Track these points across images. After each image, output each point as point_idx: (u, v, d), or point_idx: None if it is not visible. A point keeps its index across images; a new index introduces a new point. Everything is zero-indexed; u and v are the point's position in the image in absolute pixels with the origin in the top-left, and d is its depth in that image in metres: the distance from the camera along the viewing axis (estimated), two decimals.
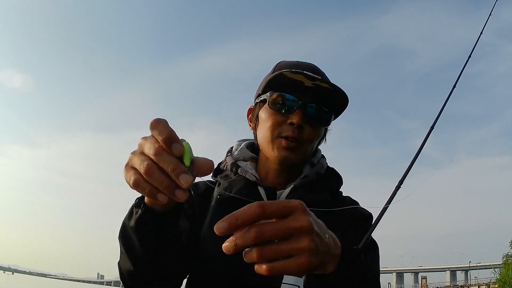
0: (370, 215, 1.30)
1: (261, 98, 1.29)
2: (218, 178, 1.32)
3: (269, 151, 1.25)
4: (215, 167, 1.35)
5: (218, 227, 0.64)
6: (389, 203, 1.15)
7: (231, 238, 0.66)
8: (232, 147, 1.41)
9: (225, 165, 1.34)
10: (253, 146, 1.38)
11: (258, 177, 1.27)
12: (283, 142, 1.21)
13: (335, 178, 1.36)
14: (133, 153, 0.72)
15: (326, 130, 1.35)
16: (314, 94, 1.22)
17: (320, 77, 1.21)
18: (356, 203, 1.31)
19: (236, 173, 1.29)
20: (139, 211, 0.89)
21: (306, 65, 1.32)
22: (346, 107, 1.27)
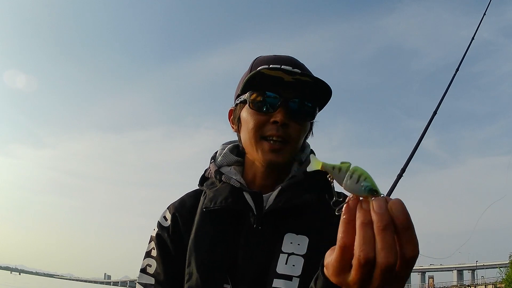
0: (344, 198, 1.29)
1: (241, 99, 1.24)
2: (204, 187, 1.28)
3: (254, 153, 1.20)
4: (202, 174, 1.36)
5: None
6: (391, 192, 1.20)
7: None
8: (216, 152, 1.36)
9: (209, 172, 1.30)
10: (238, 149, 1.33)
11: (243, 182, 1.22)
12: (268, 144, 1.16)
13: (324, 176, 1.31)
14: None
15: (312, 124, 1.30)
16: (295, 89, 1.16)
17: (299, 71, 1.17)
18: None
19: (220, 180, 1.24)
20: None
21: (284, 58, 1.26)
22: (329, 98, 1.22)
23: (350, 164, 0.66)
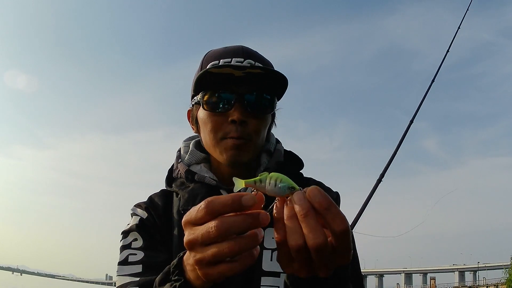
0: (337, 195, 1.26)
1: (195, 100, 1.19)
2: (174, 188, 1.23)
3: (217, 155, 1.16)
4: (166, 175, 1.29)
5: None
6: (371, 196, 1.15)
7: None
8: (179, 150, 1.31)
9: (178, 173, 1.25)
10: (201, 145, 1.27)
11: (217, 179, 1.18)
12: (229, 141, 1.11)
13: (295, 163, 1.29)
14: None
15: (273, 115, 1.24)
16: (248, 83, 1.11)
17: (249, 65, 1.12)
18: (321, 184, 1.25)
19: (193, 180, 1.19)
20: None
21: (234, 50, 1.20)
22: (286, 87, 1.15)
23: (268, 173, 0.71)
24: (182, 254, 0.79)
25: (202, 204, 0.68)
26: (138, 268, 1.10)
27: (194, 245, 0.69)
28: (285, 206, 0.68)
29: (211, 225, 0.66)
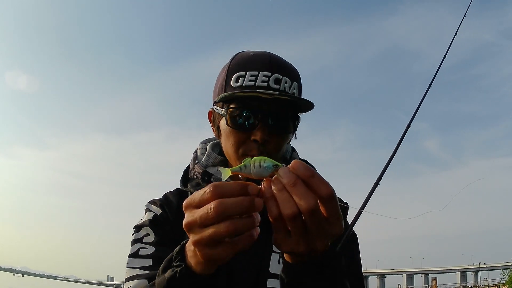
0: (346, 207, 1.27)
1: (218, 110, 1.20)
2: (189, 188, 1.26)
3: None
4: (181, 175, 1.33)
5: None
6: (368, 200, 1.18)
7: None
8: (196, 152, 1.34)
9: (194, 174, 1.28)
10: (219, 147, 1.30)
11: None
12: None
13: None
14: None
15: (295, 130, 1.25)
16: (274, 102, 1.12)
17: (277, 92, 1.11)
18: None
19: (209, 181, 1.21)
20: (187, 279, 0.81)
21: (261, 59, 1.19)
22: (311, 109, 1.19)
23: (250, 158, 0.77)
24: (185, 242, 0.82)
25: (208, 188, 0.71)
26: (148, 262, 1.13)
27: (192, 226, 0.72)
28: (273, 183, 0.73)
29: (210, 206, 0.69)
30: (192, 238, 0.74)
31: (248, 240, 0.74)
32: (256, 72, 1.15)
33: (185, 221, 0.74)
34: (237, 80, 1.16)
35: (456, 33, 1.91)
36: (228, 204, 0.69)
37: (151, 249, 1.16)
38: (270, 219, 0.74)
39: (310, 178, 0.71)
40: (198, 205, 0.72)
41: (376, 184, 1.22)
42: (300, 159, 1.36)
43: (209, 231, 0.70)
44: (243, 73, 1.16)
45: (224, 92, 1.16)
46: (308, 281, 0.82)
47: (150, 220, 1.21)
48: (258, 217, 0.73)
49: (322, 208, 0.72)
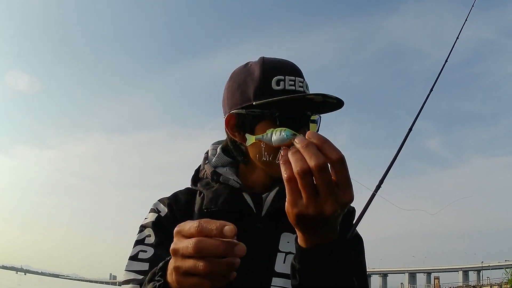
0: (353, 210, 1.31)
1: (257, 112, 1.18)
2: (199, 187, 1.28)
3: (268, 168, 1.19)
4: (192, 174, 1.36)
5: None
6: (369, 204, 1.17)
7: None
8: (207, 152, 1.37)
9: (204, 173, 1.31)
10: (228, 150, 1.32)
11: (240, 182, 1.23)
12: None
13: None
14: None
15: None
16: (314, 104, 1.19)
17: (322, 94, 1.14)
18: None
19: (218, 181, 1.25)
20: None
21: (290, 66, 1.25)
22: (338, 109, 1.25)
23: (273, 129, 0.86)
24: (169, 258, 0.85)
25: (196, 222, 0.76)
26: (145, 266, 1.15)
27: (176, 253, 0.77)
28: (290, 148, 0.80)
29: (191, 241, 0.74)
30: (173, 263, 0.78)
31: (220, 282, 0.76)
32: (293, 78, 1.21)
33: (171, 246, 0.78)
34: (277, 84, 1.19)
35: (457, 38, 1.88)
36: (207, 244, 0.73)
37: (150, 252, 1.18)
38: (284, 181, 0.79)
39: (322, 143, 0.77)
40: (185, 235, 0.76)
41: (378, 187, 1.20)
42: None
43: (188, 263, 0.74)
44: (281, 77, 1.20)
45: (262, 94, 1.18)
46: (320, 268, 0.86)
47: (153, 222, 1.24)
48: (237, 261, 0.76)
49: (332, 171, 0.77)
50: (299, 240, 0.89)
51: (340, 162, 0.76)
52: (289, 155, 0.79)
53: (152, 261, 1.15)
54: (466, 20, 1.92)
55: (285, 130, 0.83)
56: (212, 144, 1.40)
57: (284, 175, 0.79)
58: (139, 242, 1.22)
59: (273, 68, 1.22)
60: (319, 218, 0.79)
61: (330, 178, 0.76)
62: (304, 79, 1.23)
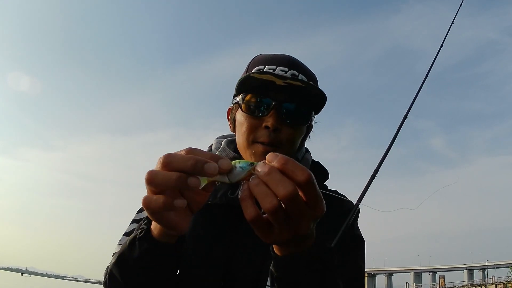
0: (351, 205, 1.28)
1: (236, 100, 1.23)
2: None
3: (247, 157, 1.19)
4: None
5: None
6: (365, 193, 1.20)
7: None
8: (210, 146, 1.37)
9: None
10: (234, 144, 1.32)
11: None
12: (260, 147, 1.15)
13: (320, 173, 1.35)
14: None
15: (309, 128, 1.31)
16: (289, 92, 1.15)
17: (290, 76, 1.15)
18: (336, 192, 1.28)
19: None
20: (145, 243, 0.87)
21: (280, 58, 1.25)
22: (324, 103, 1.21)
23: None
24: None
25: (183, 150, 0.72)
26: None
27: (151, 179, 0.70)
28: (251, 179, 0.71)
29: (161, 158, 0.70)
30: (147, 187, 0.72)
31: (197, 204, 0.76)
32: (274, 67, 1.19)
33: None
34: (256, 72, 1.17)
35: (452, 22, 1.91)
36: (176, 158, 0.69)
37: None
38: (248, 220, 0.71)
39: (284, 166, 0.68)
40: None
41: (373, 176, 1.23)
42: (313, 160, 1.37)
43: (157, 176, 0.69)
44: (262, 66, 1.21)
45: (242, 85, 1.19)
46: (297, 275, 0.81)
47: None
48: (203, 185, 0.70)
49: (301, 193, 0.69)
50: (274, 248, 0.83)
51: (308, 183, 0.68)
52: (252, 188, 0.69)
53: None
54: (458, 9, 1.95)
55: (239, 161, 0.72)
56: (216, 138, 1.40)
57: (248, 215, 0.70)
58: (136, 221, 1.25)
59: (258, 60, 1.26)
60: (294, 239, 0.75)
61: (301, 201, 0.70)
62: (294, 70, 1.21)
